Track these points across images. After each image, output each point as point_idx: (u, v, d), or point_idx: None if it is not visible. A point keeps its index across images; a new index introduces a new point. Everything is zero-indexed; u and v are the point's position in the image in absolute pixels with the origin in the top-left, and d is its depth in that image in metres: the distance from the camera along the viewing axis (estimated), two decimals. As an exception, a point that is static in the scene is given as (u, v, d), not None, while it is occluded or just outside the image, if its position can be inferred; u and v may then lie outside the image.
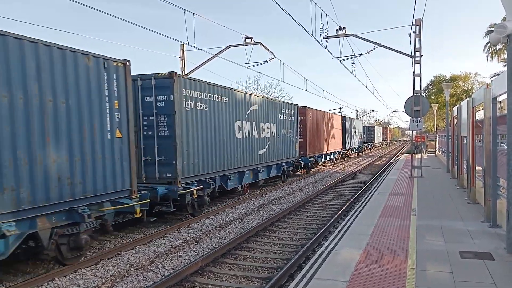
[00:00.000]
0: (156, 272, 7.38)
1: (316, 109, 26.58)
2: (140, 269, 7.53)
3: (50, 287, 6.71)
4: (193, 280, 6.94)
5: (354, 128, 41.50)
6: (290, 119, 20.35)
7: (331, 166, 31.04)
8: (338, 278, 5.29)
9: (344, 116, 37.10)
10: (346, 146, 36.70)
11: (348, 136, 37.36)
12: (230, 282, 6.94)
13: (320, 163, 28.92)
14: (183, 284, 6.79)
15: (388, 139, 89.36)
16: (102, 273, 7.32)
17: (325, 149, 28.59)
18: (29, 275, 7.32)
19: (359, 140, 45.77)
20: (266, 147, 17.18)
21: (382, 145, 76.53)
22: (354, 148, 42.42)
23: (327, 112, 29.88)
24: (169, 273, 7.20)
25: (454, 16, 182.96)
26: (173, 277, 6.78)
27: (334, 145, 31.43)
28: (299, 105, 22.78)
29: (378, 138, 68.18)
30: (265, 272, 7.40)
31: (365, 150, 52.61)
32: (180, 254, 8.51)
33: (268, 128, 17.41)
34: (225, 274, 7.27)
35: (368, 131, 61.11)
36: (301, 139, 23.13)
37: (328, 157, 30.11)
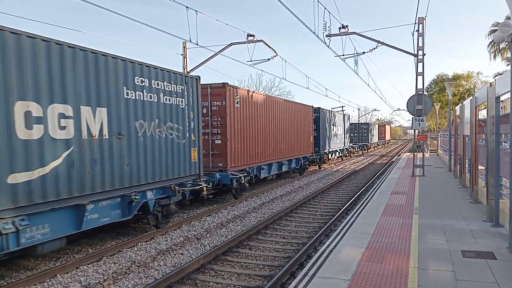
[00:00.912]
0: (157, 269, 7.39)
1: (252, 92, 16.64)
2: (141, 266, 7.54)
3: (52, 283, 6.72)
4: (194, 277, 6.94)
5: (337, 125, 31.79)
6: (171, 101, 10.28)
7: (295, 178, 21.40)
8: (340, 277, 5.29)
9: (318, 108, 26.50)
10: (322, 149, 26.98)
11: (325, 136, 27.90)
12: (231, 279, 6.94)
13: (269, 178, 19.42)
14: (185, 282, 6.80)
15: (386, 139, 76.72)
16: (103, 270, 7.33)
17: (276, 155, 18.49)
18: (31, 271, 7.34)
19: (346, 140, 36.42)
20: (59, 161, 7.25)
21: (379, 146, 67.28)
22: (337, 151, 32.29)
23: (280, 99, 20.40)
24: (170, 271, 7.21)
25: (457, 15, 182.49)
26: (174, 274, 6.78)
27: (298, 148, 21.76)
28: (219, 83, 13.85)
29: (374, 137, 58.32)
30: (266, 270, 7.40)
31: (354, 153, 43.96)
32: (182, 251, 8.52)
33: (67, 118, 7.44)
34: (226, 272, 7.27)
35: (361, 129, 51.34)
36: (218, 141, 13.75)
37: (284, 167, 19.80)
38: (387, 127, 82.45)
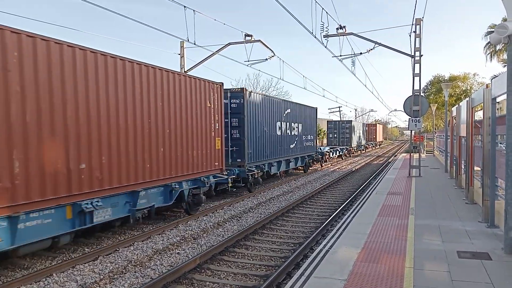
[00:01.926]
0: (154, 269, 7.38)
1: None
2: (138, 266, 7.53)
3: (48, 282, 6.70)
4: (191, 277, 6.94)
5: (288, 120, 20.47)
6: None
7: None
8: (336, 277, 5.30)
9: (241, 90, 15.57)
10: (252, 160, 15.99)
11: (260, 137, 16.78)
12: (228, 279, 6.95)
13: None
14: (181, 281, 6.79)
15: (377, 141, 64.12)
16: (100, 269, 7.32)
17: (61, 187, 7.19)
18: (27, 270, 7.31)
19: (308, 143, 24.24)
20: None
21: (368, 149, 55.30)
22: (290, 161, 20.98)
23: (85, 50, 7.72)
24: (167, 270, 7.21)
25: (454, 16, 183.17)
26: (171, 274, 6.78)
27: (174, 164, 10.53)
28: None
29: (360, 139, 47.20)
30: (263, 270, 7.40)
31: (328, 160, 31.64)
32: (178, 251, 8.51)
33: None
34: (223, 272, 7.27)
35: (342, 128, 40.94)
36: None
37: (105, 214, 8.26)
38: (379, 126, 69.91)
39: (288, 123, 20.50)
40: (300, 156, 22.81)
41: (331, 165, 31.21)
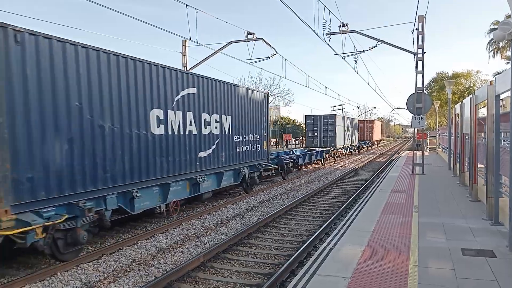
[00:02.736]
0: (158, 267, 7.40)
1: None
2: (142, 264, 7.55)
3: (52, 281, 6.73)
4: (194, 275, 6.96)
5: (190, 106, 11.29)
6: None
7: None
8: (340, 275, 5.30)
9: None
10: (35, 193, 6.64)
11: (57, 144, 7.08)
12: (231, 277, 6.95)
13: None
14: (185, 280, 6.81)
15: (374, 140, 54.99)
16: (104, 268, 7.34)
17: None
18: (31, 269, 7.35)
19: (252, 149, 15.18)
20: None
21: (363, 149, 47.87)
22: (203, 180, 11.95)
23: None
24: (170, 269, 7.22)
25: (457, 13, 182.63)
26: (174, 272, 6.79)
27: None
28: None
29: (348, 139, 38.25)
30: (266, 268, 7.41)
31: (290, 172, 21.62)
32: (182, 249, 8.53)
33: None
34: (226, 270, 7.28)
35: (324, 125, 32.78)
36: None
37: None
38: (377, 123, 59.16)
39: (193, 114, 11.60)
40: (229, 170, 13.80)
41: (334, 163, 31.11)
